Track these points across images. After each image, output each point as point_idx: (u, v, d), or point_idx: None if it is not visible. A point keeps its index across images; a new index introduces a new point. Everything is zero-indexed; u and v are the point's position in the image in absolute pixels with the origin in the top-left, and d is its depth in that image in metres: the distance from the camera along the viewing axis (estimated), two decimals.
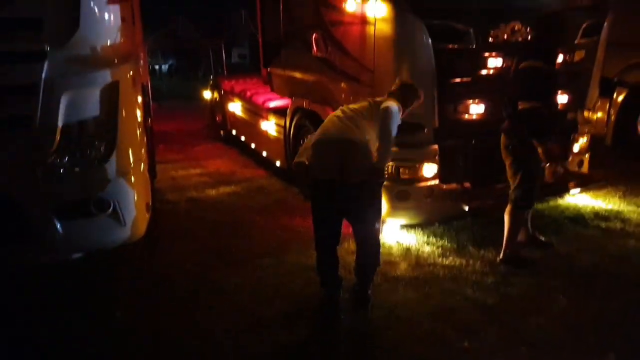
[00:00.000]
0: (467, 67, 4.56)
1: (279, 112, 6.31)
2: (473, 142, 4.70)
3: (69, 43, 3.19)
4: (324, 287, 3.63)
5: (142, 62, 4.97)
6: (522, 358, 3.07)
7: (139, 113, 3.78)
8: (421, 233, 4.68)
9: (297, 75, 5.89)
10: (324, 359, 3.14)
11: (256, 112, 7.01)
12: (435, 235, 4.63)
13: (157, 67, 19.02)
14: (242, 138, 7.75)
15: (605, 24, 5.17)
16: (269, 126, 6.54)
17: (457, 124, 4.64)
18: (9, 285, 3.71)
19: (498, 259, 4.18)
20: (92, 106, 3.20)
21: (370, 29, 4.44)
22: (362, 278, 3.62)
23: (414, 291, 3.76)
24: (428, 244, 4.50)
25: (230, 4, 18.78)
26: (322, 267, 3.59)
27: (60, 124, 3.12)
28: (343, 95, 4.89)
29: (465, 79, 4.58)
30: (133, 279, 4.02)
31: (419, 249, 4.41)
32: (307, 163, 3.38)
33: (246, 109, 7.46)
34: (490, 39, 4.52)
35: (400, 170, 4.55)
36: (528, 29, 4.55)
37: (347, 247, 4.04)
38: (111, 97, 3.27)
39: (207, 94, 9.72)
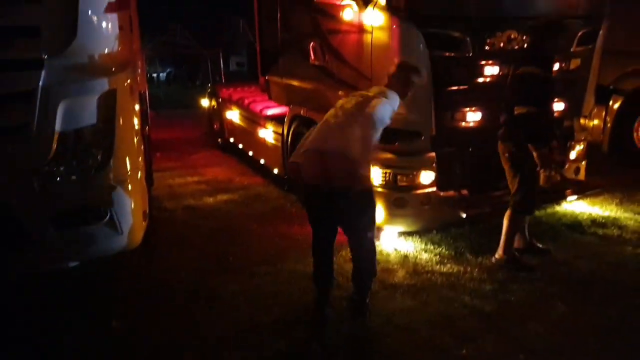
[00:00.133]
0: (464, 75, 4.58)
1: (277, 119, 6.32)
2: (470, 149, 4.72)
3: (66, 51, 3.19)
4: (315, 285, 3.63)
5: (139, 70, 4.98)
6: None
7: (136, 121, 3.78)
8: (419, 240, 4.68)
9: (295, 83, 5.90)
10: None
11: (254, 120, 7.03)
12: (432, 243, 4.63)
13: (155, 75, 19.07)
14: (240, 146, 7.76)
15: (601, 32, 5.21)
16: (267, 134, 6.55)
17: (454, 131, 4.65)
18: (9, 285, 3.70)
19: (493, 258, 4.22)
20: (89, 114, 3.20)
21: (368, 37, 4.47)
22: (359, 285, 3.61)
23: (411, 299, 3.75)
24: (426, 251, 4.50)
25: (228, 12, 18.87)
26: (315, 268, 3.59)
27: (57, 131, 3.11)
28: None
29: (462, 87, 4.60)
30: (130, 286, 4.00)
31: (416, 257, 4.40)
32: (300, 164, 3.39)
33: (244, 117, 7.47)
34: (487, 47, 4.55)
35: (398, 177, 4.56)
36: (524, 37, 4.58)
37: (345, 255, 4.03)
38: (108, 105, 3.27)
39: (204, 102, 9.74)
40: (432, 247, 4.55)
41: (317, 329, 3.44)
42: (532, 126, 3.86)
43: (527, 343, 3.23)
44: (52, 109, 3.10)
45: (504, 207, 4.27)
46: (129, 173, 3.46)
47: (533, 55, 4.03)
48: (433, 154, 4.56)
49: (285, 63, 6.11)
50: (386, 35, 4.34)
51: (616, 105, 6.86)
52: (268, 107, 6.73)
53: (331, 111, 3.50)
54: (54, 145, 3.14)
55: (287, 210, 5.66)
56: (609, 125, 6.92)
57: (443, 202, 4.72)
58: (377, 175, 4.63)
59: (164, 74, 20.26)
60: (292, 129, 5.83)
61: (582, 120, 5.50)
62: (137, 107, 3.94)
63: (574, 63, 5.09)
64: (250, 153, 7.32)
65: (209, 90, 9.71)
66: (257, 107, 6.95)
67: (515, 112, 3.88)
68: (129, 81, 3.58)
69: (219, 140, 8.81)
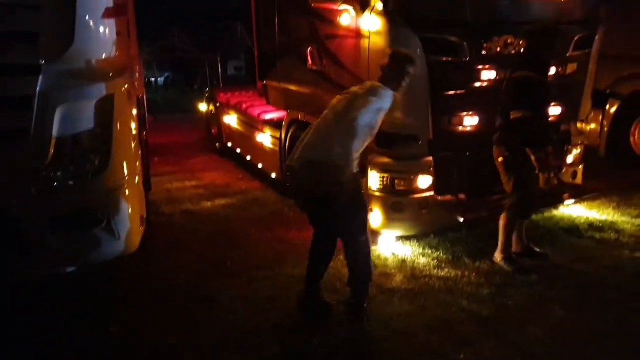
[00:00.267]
0: (461, 80, 4.60)
1: (275, 124, 6.33)
2: (467, 153, 4.73)
3: (64, 56, 3.20)
4: (306, 284, 3.63)
5: (137, 75, 4.99)
6: None
7: (133, 126, 3.79)
8: (417, 245, 4.68)
9: (293, 87, 5.91)
10: None
11: (252, 124, 7.04)
12: (430, 247, 4.63)
13: (153, 79, 19.10)
14: (238, 150, 7.76)
15: (597, 37, 5.24)
16: (265, 138, 6.56)
17: (452, 135, 4.66)
18: (9, 286, 3.69)
19: (491, 260, 4.25)
20: (86, 119, 3.21)
21: (365, 42, 4.48)
22: (355, 289, 3.60)
23: (409, 303, 3.75)
24: (423, 255, 4.50)
25: (227, 17, 18.92)
26: (309, 268, 3.61)
27: (55, 136, 3.12)
28: None
29: (459, 91, 4.62)
30: (130, 286, 4.01)
31: (414, 261, 4.40)
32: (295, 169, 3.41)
33: (242, 122, 7.48)
34: (484, 52, 4.57)
35: (396, 182, 4.57)
36: (521, 42, 4.59)
37: (344, 259, 4.02)
38: (106, 110, 3.28)
39: (203, 107, 9.75)
40: (430, 252, 4.55)
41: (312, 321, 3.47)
42: (528, 130, 3.89)
43: (525, 347, 3.23)
44: (49, 114, 3.11)
45: (501, 211, 4.28)
46: (127, 178, 3.47)
47: (529, 59, 4.05)
48: (430, 158, 4.57)
49: (283, 68, 6.13)
50: (383, 40, 4.35)
51: (613, 109, 6.88)
52: (266, 112, 6.74)
53: (325, 112, 3.52)
54: (52, 150, 3.14)
55: (285, 215, 5.66)
56: (605, 129, 6.94)
57: (441, 206, 4.73)
58: (374, 180, 4.64)
59: (162, 79, 20.28)
60: (289, 134, 5.84)
61: (579, 124, 5.52)
62: (134, 112, 3.95)
63: (571, 67, 5.11)
64: (248, 157, 7.32)
65: (207, 94, 9.72)
66: (255, 112, 6.96)
67: (511, 117, 3.90)
68: (126, 86, 3.58)
69: (217, 144, 8.82)
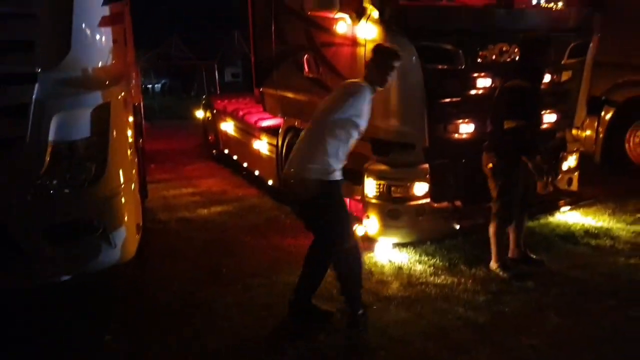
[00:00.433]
0: (457, 87, 4.63)
1: (271, 131, 6.34)
2: (463, 160, 4.74)
3: (60, 65, 3.20)
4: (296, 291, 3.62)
5: (134, 82, 4.99)
6: None
7: (130, 134, 3.78)
8: (413, 252, 4.68)
9: (289, 95, 5.93)
10: None
11: (248, 131, 7.04)
12: (427, 254, 4.63)
13: (150, 86, 19.09)
14: (235, 157, 7.76)
15: (591, 44, 5.28)
16: (261, 145, 6.56)
17: (448, 143, 4.68)
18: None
19: (487, 267, 4.25)
20: (82, 128, 3.21)
21: (361, 51, 4.50)
22: (346, 296, 3.57)
23: (406, 310, 3.74)
24: (420, 262, 4.50)
25: (223, 24, 18.97)
26: (302, 274, 3.60)
27: (50, 145, 3.11)
28: None
29: (454, 99, 4.65)
30: (121, 301, 3.98)
31: (410, 268, 4.40)
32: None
33: (238, 129, 7.48)
34: (479, 60, 4.60)
35: (392, 189, 4.58)
36: (516, 50, 4.63)
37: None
38: (102, 118, 3.28)
39: (199, 113, 9.75)
40: (426, 259, 4.55)
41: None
42: (522, 139, 3.91)
43: (521, 354, 3.23)
44: (45, 122, 3.10)
45: None
46: (123, 186, 3.46)
47: (523, 67, 4.08)
48: (427, 165, 4.59)
49: (279, 75, 6.14)
50: None
51: (608, 116, 6.91)
52: (262, 119, 6.75)
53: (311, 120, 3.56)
54: (47, 159, 3.13)
55: (281, 222, 5.65)
56: (601, 135, 6.97)
57: (437, 213, 4.74)
58: (371, 187, 4.65)
59: (159, 85, 20.27)
60: (286, 141, 5.85)
61: (574, 131, 5.56)
62: (131, 119, 3.95)
63: (566, 75, 5.15)
64: (245, 164, 7.32)
65: (203, 101, 9.72)
66: (252, 119, 6.97)
67: (505, 126, 3.93)
68: (122, 94, 3.59)
69: (214, 151, 8.81)
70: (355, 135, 3.38)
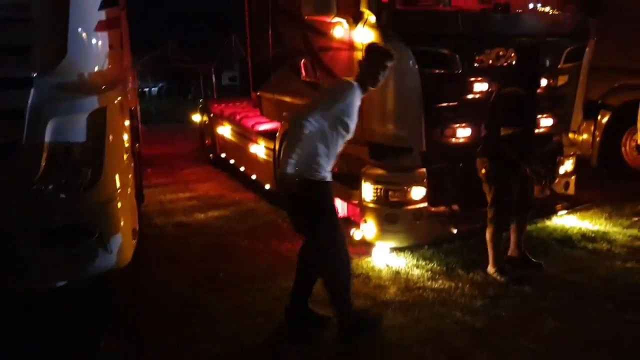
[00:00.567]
0: (454, 92, 4.64)
1: (269, 135, 6.33)
2: (460, 164, 4.75)
3: (56, 69, 3.20)
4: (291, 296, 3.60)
5: (130, 86, 4.99)
6: None
7: (126, 138, 3.77)
8: (410, 256, 4.67)
9: (287, 99, 5.93)
10: None
11: (245, 135, 7.04)
12: (424, 258, 4.62)
13: (146, 89, 19.05)
14: (232, 161, 7.75)
15: (587, 49, 5.30)
16: (259, 149, 6.55)
17: (445, 147, 4.69)
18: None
19: (487, 270, 4.26)
20: (78, 132, 3.20)
21: (358, 55, 4.50)
22: (334, 301, 3.46)
23: (403, 315, 3.73)
24: (417, 267, 4.49)
25: (221, 27, 18.97)
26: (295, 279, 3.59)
27: (46, 150, 3.11)
28: None
29: (452, 103, 4.66)
30: (117, 306, 3.97)
31: (408, 272, 4.40)
32: None
33: (236, 132, 7.48)
34: (476, 64, 4.61)
35: (389, 193, 4.58)
36: (512, 54, 4.64)
37: None
38: (98, 123, 3.26)
39: (196, 117, 9.74)
40: (423, 263, 4.54)
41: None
42: (519, 145, 3.92)
43: (519, 359, 3.23)
44: (41, 127, 3.10)
45: None
46: (119, 191, 3.45)
47: (519, 74, 4.10)
48: (424, 169, 4.60)
49: (276, 79, 6.15)
50: None
51: (604, 120, 6.94)
52: (260, 123, 6.75)
53: None
54: (43, 163, 3.13)
55: (279, 226, 5.63)
56: (597, 139, 6.99)
57: (434, 217, 4.75)
58: (368, 191, 4.65)
59: (156, 89, 20.23)
60: (283, 145, 5.84)
61: (571, 135, 5.57)
62: (127, 123, 3.94)
63: (562, 80, 5.17)
64: (242, 168, 7.31)
65: (200, 105, 9.72)
66: (249, 123, 6.97)
67: (502, 133, 3.94)
68: (119, 99, 3.58)
69: (211, 155, 8.80)
70: (344, 134, 3.34)
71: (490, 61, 4.65)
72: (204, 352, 3.35)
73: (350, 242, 4.70)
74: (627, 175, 6.77)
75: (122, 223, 3.46)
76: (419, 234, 4.72)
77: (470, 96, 4.68)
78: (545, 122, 5.08)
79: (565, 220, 5.47)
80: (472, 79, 4.63)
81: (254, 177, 6.87)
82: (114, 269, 3.51)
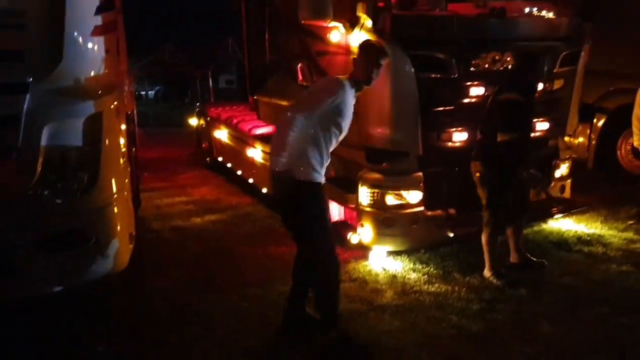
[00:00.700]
0: (450, 96, 4.65)
1: (265, 139, 6.33)
2: (457, 168, 4.76)
3: (52, 74, 3.20)
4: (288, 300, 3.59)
5: (127, 90, 4.98)
6: None
7: (122, 143, 3.77)
8: (407, 260, 4.67)
9: (284, 103, 5.93)
10: None
11: (242, 139, 7.03)
12: (421, 262, 4.63)
13: (143, 93, 19.07)
14: (229, 165, 7.75)
15: (582, 53, 5.32)
16: (256, 153, 6.55)
17: (441, 151, 4.70)
18: None
19: (483, 274, 4.27)
20: (74, 137, 3.20)
21: None
22: (321, 306, 3.48)
23: (400, 319, 3.73)
24: (414, 270, 4.50)
25: (218, 31, 19.01)
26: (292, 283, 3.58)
27: (42, 155, 3.11)
28: None
29: (448, 107, 4.67)
30: (115, 312, 3.96)
31: (405, 276, 4.40)
32: None
33: (232, 136, 7.48)
34: (472, 68, 4.62)
35: (386, 197, 4.58)
36: (508, 59, 4.66)
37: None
38: (94, 128, 3.27)
39: (193, 121, 9.74)
40: (420, 267, 4.55)
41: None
42: (515, 151, 3.94)
43: None
44: (37, 132, 3.10)
45: None
46: (115, 195, 3.45)
47: (516, 80, 4.12)
48: (420, 173, 4.60)
49: (273, 83, 6.16)
50: None
51: (600, 123, 6.97)
52: (257, 127, 6.75)
53: None
54: (39, 169, 3.13)
55: (276, 230, 5.62)
56: (593, 142, 7.02)
57: (431, 221, 4.75)
58: (365, 195, 4.65)
59: (153, 92, 20.25)
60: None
61: (566, 139, 5.59)
62: (123, 128, 3.94)
63: (558, 84, 5.19)
64: (239, 172, 7.31)
65: (197, 109, 9.72)
66: (246, 127, 6.97)
67: (499, 139, 3.95)
68: (115, 103, 3.58)
69: (208, 159, 8.80)
70: (337, 134, 3.32)
71: (486, 65, 4.66)
72: (202, 356, 3.35)
73: (347, 246, 4.73)
74: (623, 179, 6.79)
75: (118, 228, 3.45)
76: (415, 237, 4.73)
77: (466, 100, 4.69)
78: (541, 125, 5.10)
79: (561, 224, 5.48)
80: (468, 83, 4.64)
81: (250, 181, 6.87)
82: (111, 274, 3.51)
